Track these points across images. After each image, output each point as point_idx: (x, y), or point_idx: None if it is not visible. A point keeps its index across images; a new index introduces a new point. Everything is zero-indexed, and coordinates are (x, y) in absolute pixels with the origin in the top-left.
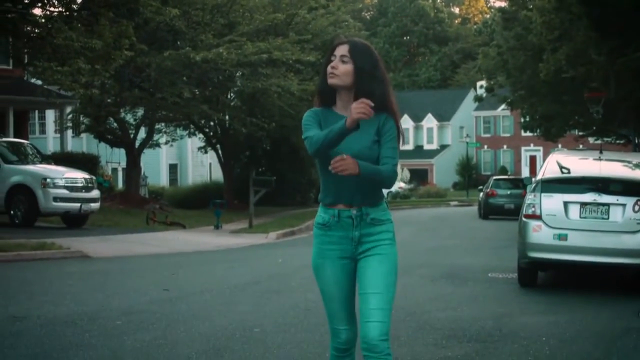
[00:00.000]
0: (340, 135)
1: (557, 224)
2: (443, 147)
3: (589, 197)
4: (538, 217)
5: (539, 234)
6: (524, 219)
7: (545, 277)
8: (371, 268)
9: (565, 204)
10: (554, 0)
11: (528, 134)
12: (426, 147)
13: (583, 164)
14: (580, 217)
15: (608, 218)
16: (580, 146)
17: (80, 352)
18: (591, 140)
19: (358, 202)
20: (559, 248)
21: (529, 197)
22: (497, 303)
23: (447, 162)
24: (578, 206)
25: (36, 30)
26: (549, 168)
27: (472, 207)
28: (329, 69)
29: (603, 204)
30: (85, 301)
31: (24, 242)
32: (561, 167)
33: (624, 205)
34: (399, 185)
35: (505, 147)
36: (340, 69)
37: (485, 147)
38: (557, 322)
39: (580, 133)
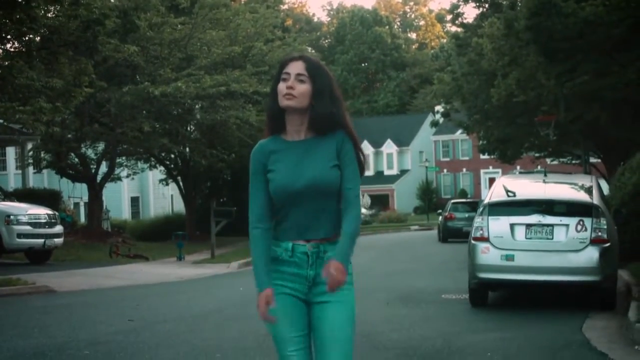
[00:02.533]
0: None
1: (504, 245)
2: (403, 172)
3: (533, 218)
4: (486, 239)
5: (487, 255)
6: (472, 241)
7: (496, 296)
8: (328, 319)
9: (512, 225)
10: (503, 27)
11: (486, 156)
12: (386, 172)
13: (528, 187)
14: (526, 238)
15: (552, 238)
16: (539, 167)
17: None
18: (548, 161)
19: (316, 236)
20: (507, 268)
21: (477, 220)
22: (448, 323)
23: (408, 186)
24: (524, 228)
25: None
26: (495, 192)
27: (432, 231)
28: (284, 88)
29: (547, 225)
30: (53, 333)
31: None
32: (507, 191)
33: (567, 225)
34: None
35: (464, 170)
36: (299, 90)
37: (445, 170)
38: (503, 338)
39: (537, 154)
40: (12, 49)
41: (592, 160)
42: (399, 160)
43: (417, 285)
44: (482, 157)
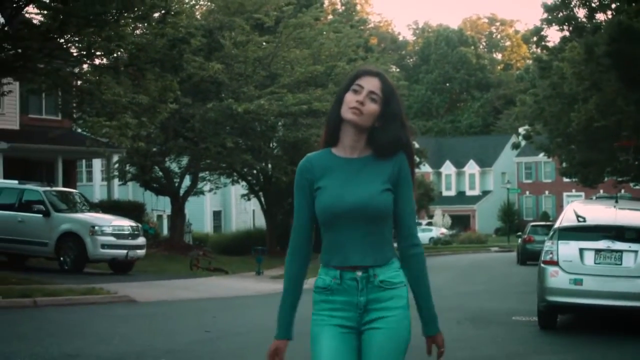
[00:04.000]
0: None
1: (573, 269)
2: (485, 192)
3: (602, 244)
4: (555, 263)
5: (556, 279)
6: (542, 264)
7: (565, 319)
8: (377, 346)
9: (581, 250)
10: (584, 53)
11: (569, 180)
12: (468, 193)
13: (599, 213)
14: (594, 262)
15: (621, 264)
16: (622, 191)
17: None
18: (632, 185)
19: (362, 262)
20: (575, 292)
21: (547, 244)
22: (515, 344)
23: (490, 207)
24: (593, 253)
25: (86, 85)
26: (566, 217)
27: (512, 253)
28: (352, 100)
29: (616, 251)
30: (133, 341)
31: (74, 287)
32: (577, 216)
33: (636, 251)
34: (440, 232)
35: (547, 192)
36: (368, 108)
37: (527, 192)
38: None
39: (619, 179)
40: (100, 65)
41: None
42: (481, 181)
43: (489, 306)
44: (564, 180)
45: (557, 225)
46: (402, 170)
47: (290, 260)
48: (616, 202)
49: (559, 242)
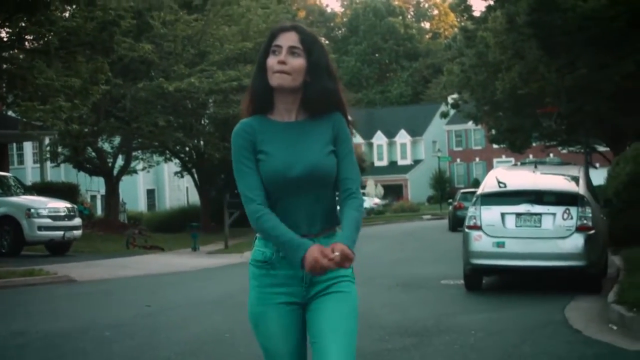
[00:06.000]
0: (289, 256)
1: (496, 233)
2: (417, 162)
3: (523, 208)
4: (478, 228)
5: (480, 242)
6: (466, 229)
7: (491, 281)
8: (327, 310)
9: (503, 214)
10: (505, 22)
11: (498, 146)
12: (400, 162)
13: (519, 178)
14: (516, 226)
15: (540, 226)
16: (551, 155)
17: (77, 358)
18: (560, 149)
19: (311, 231)
20: (498, 254)
21: (471, 210)
22: (443, 305)
23: (422, 176)
24: (514, 216)
25: (18, 69)
26: (488, 183)
27: (444, 220)
28: (274, 64)
29: (536, 214)
30: (77, 318)
31: (13, 270)
32: (499, 182)
33: (554, 214)
34: (373, 202)
35: (477, 159)
36: (292, 64)
37: (458, 160)
38: (491, 318)
39: (547, 144)
40: (31, 48)
41: (602, 149)
42: (412, 150)
43: (419, 272)
44: (494, 146)
45: (479, 191)
46: (341, 131)
47: (264, 218)
48: (535, 167)
49: (482, 207)
